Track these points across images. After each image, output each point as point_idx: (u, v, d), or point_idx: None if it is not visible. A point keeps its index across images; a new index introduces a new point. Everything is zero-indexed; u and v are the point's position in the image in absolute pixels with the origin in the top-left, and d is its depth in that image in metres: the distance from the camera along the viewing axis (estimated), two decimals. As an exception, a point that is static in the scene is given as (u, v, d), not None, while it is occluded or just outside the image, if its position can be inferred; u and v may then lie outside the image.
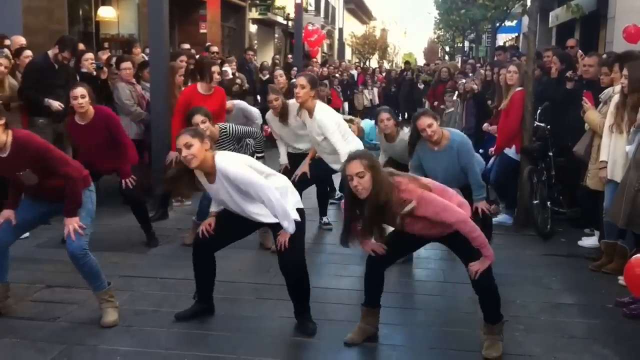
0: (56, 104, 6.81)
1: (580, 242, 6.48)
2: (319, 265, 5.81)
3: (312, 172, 6.30)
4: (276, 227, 4.23)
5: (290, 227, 4.11)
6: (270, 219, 4.22)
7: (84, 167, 4.54)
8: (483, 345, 4.05)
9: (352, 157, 3.85)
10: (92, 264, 4.35)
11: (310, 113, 5.98)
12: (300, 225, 4.24)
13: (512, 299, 5.03)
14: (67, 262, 4.67)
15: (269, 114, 6.74)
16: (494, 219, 7.32)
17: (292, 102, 6.29)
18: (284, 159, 6.83)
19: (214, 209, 4.49)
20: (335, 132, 5.91)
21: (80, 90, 5.45)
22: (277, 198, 4.06)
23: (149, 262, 5.76)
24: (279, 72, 6.85)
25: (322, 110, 5.99)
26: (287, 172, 6.73)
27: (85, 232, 4.31)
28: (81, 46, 8.45)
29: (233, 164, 4.10)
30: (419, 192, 3.80)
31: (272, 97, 6.46)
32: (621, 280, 4.91)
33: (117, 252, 5.97)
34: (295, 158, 6.77)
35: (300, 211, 4.28)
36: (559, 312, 4.80)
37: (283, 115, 6.46)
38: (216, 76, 6.75)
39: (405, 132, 5.98)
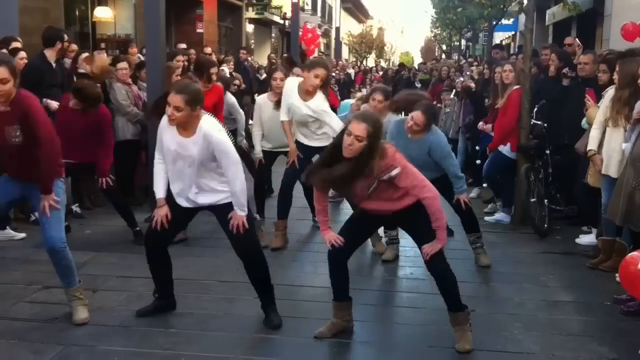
0: (55, 104, 6.80)
1: (577, 240, 6.48)
2: (312, 263, 5.80)
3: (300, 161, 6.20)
4: (219, 211, 4.31)
5: (245, 209, 4.22)
6: (213, 198, 4.29)
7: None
8: (455, 337, 4.08)
9: (362, 118, 3.90)
10: (70, 258, 4.39)
11: (313, 95, 5.98)
12: (250, 214, 4.35)
13: (509, 296, 5.04)
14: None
15: (263, 98, 6.79)
16: (491, 218, 7.37)
17: (293, 82, 6.25)
18: (259, 152, 6.80)
19: (161, 193, 4.40)
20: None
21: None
22: (242, 178, 4.19)
23: (145, 262, 5.73)
24: (279, 74, 6.87)
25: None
26: (262, 166, 6.84)
27: (60, 224, 4.32)
28: (74, 46, 8.44)
29: (218, 130, 4.23)
30: (404, 162, 3.95)
31: (278, 75, 6.58)
32: (618, 277, 4.91)
33: (114, 252, 5.96)
34: (271, 155, 6.91)
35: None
36: (557, 309, 4.81)
37: (279, 101, 6.44)
38: (214, 78, 6.76)
39: (391, 116, 5.98)
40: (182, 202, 4.36)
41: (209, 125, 4.20)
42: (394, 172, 3.90)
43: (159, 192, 4.40)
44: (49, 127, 4.28)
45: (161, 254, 4.51)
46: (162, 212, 4.35)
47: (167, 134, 4.29)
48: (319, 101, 6.00)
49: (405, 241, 5.80)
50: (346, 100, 6.99)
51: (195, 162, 4.19)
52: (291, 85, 6.16)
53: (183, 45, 10.65)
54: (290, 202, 6.33)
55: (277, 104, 6.48)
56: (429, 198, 3.95)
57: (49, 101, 6.76)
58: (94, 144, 6.04)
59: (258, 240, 4.49)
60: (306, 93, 5.99)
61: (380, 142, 3.94)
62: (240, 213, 4.21)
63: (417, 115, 5.21)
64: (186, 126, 4.18)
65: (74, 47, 7.83)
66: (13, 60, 4.39)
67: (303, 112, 5.99)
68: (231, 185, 4.20)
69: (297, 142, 6.22)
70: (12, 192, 4.45)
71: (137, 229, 6.30)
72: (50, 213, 4.24)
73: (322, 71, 5.95)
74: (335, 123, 5.93)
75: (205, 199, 4.33)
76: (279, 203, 6.34)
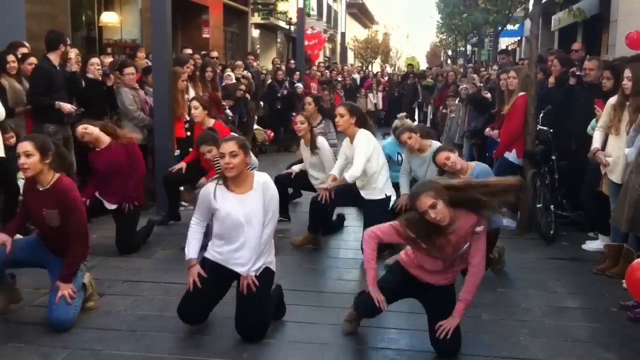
0: (68, 106, 6.85)
1: (584, 246, 6.47)
2: (323, 269, 5.84)
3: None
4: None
5: (253, 270, 4.20)
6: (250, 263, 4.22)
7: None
8: None
9: (418, 192, 3.80)
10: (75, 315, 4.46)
11: (352, 138, 6.01)
12: (270, 277, 4.32)
13: (516, 302, 5.03)
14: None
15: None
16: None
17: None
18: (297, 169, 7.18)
19: (193, 255, 4.33)
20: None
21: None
22: (270, 236, 4.18)
23: (152, 266, 5.76)
24: (308, 99, 7.08)
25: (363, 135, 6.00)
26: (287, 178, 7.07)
27: (68, 308, 4.36)
28: (75, 51, 8.47)
29: (273, 184, 4.24)
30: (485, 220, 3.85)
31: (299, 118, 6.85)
32: (625, 283, 4.90)
33: (121, 257, 5.98)
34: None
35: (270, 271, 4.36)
36: (563, 315, 4.80)
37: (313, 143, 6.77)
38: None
39: (434, 144, 6.12)
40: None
41: (266, 177, 4.23)
42: (479, 229, 3.83)
43: (191, 252, 4.33)
44: (83, 219, 4.38)
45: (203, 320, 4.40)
46: (194, 272, 4.27)
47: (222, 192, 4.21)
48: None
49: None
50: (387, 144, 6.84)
51: (245, 218, 4.15)
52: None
53: (189, 51, 10.67)
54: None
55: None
56: (481, 264, 3.93)
57: (62, 104, 6.80)
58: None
59: (268, 320, 4.34)
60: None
61: (461, 191, 3.83)
62: (248, 272, 4.24)
63: (449, 156, 5.24)
64: (237, 181, 4.17)
65: (75, 51, 7.84)
66: (47, 141, 4.42)
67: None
68: (257, 244, 4.21)
69: None
70: (35, 255, 4.55)
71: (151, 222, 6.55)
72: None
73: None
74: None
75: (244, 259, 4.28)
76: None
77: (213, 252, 4.34)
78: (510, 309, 4.92)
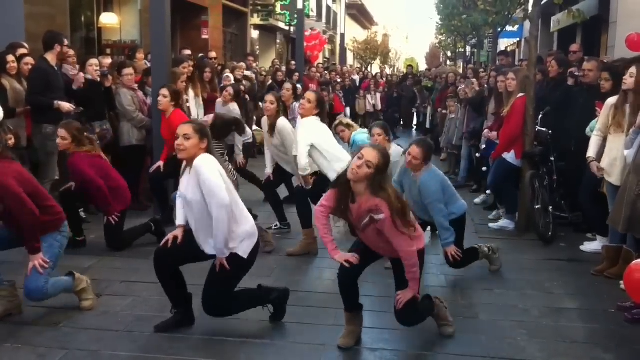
0: (67, 106, 6.84)
1: (582, 247, 6.47)
2: (321, 270, 5.83)
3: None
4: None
5: (221, 253, 4.15)
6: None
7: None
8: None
9: (377, 148, 4.02)
10: (51, 295, 4.51)
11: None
12: (240, 263, 4.27)
13: (514, 303, 5.04)
14: (68, 268, 4.68)
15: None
16: (495, 225, 7.36)
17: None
18: (269, 169, 7.03)
19: (180, 220, 4.38)
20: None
21: None
22: (224, 219, 4.04)
23: (150, 267, 5.68)
24: (288, 85, 7.04)
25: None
26: (270, 183, 7.00)
27: (46, 272, 4.41)
28: (71, 52, 8.48)
29: (207, 164, 4.09)
30: (389, 213, 3.90)
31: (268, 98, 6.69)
32: (623, 284, 4.90)
33: (119, 257, 5.98)
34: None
35: (252, 252, 4.32)
36: (561, 316, 4.80)
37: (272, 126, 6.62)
38: (160, 99, 6.88)
39: (394, 149, 6.18)
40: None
41: (200, 160, 4.11)
42: (378, 217, 3.92)
43: (180, 219, 4.38)
44: (18, 196, 4.30)
45: (172, 273, 4.42)
46: (175, 232, 4.32)
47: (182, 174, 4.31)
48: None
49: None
50: (359, 134, 6.94)
51: (195, 203, 4.15)
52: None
53: (188, 52, 10.67)
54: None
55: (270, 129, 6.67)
56: (402, 252, 4.00)
57: (61, 103, 6.80)
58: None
59: (227, 302, 4.38)
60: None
61: (384, 180, 3.96)
62: (220, 254, 4.20)
63: (413, 149, 5.19)
64: (190, 162, 4.19)
65: (71, 52, 7.84)
66: None
67: None
68: (213, 227, 4.09)
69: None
70: (7, 238, 4.62)
71: (151, 223, 6.44)
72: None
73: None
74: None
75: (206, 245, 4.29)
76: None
77: None
78: (508, 309, 4.91)
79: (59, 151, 6.38)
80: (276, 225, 7.07)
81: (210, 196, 4.03)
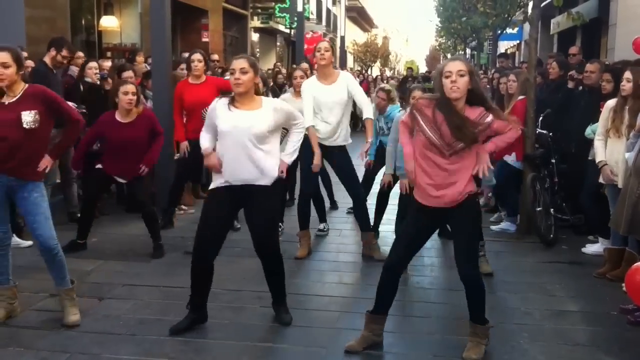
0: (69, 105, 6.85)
1: (583, 249, 6.47)
2: (323, 273, 5.83)
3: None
4: (258, 194, 4.31)
5: (289, 159, 4.47)
6: (262, 178, 4.29)
7: None
8: (467, 346, 4.08)
9: (455, 58, 3.96)
10: (63, 256, 4.48)
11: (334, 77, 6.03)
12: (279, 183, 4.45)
13: (515, 306, 5.03)
14: (70, 271, 4.68)
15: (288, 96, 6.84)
16: (496, 227, 7.36)
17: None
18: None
19: (208, 143, 4.45)
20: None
21: None
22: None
23: (152, 270, 5.76)
24: (299, 72, 6.93)
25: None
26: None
27: (48, 222, 4.39)
28: (80, 54, 8.49)
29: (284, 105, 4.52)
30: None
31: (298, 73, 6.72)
32: (625, 287, 4.89)
33: (121, 260, 5.97)
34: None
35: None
36: (563, 319, 4.80)
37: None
38: (196, 64, 6.93)
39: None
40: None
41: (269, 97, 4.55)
42: (489, 119, 3.89)
43: (205, 144, 4.44)
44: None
45: (208, 265, 4.41)
46: (212, 159, 4.36)
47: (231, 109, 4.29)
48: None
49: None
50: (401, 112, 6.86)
51: (252, 133, 4.23)
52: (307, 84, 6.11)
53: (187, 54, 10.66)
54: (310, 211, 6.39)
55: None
56: (514, 130, 4.01)
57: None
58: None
59: (276, 225, 4.57)
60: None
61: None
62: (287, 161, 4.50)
63: (453, 65, 5.23)
64: (245, 99, 4.28)
65: (80, 54, 7.86)
66: (19, 50, 4.49)
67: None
68: (292, 140, 4.55)
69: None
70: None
71: (160, 242, 6.24)
72: (35, 211, 4.34)
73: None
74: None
75: (255, 171, 4.32)
76: (300, 213, 6.32)
77: (219, 180, 4.37)
78: (510, 312, 4.91)
79: (59, 153, 6.36)
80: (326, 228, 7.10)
81: (294, 118, 4.47)
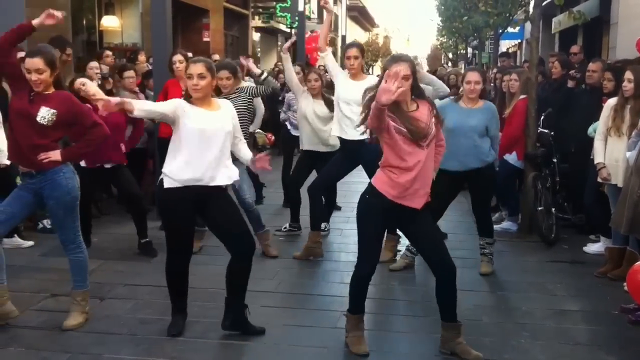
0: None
1: (585, 249, 6.46)
2: (324, 273, 5.83)
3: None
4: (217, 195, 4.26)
5: (251, 162, 4.42)
6: (226, 176, 4.26)
7: None
8: (458, 352, 4.06)
9: (399, 59, 3.97)
10: (85, 256, 4.50)
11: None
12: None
13: (517, 305, 5.03)
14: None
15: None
16: (498, 227, 7.34)
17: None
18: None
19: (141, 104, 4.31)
20: None
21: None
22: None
23: (153, 270, 5.75)
24: (314, 75, 6.83)
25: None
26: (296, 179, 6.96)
27: (76, 224, 4.41)
28: (108, 52, 8.55)
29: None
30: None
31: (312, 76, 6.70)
32: (626, 286, 4.89)
33: (122, 260, 5.98)
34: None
35: None
36: (564, 318, 4.79)
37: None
38: (177, 65, 6.77)
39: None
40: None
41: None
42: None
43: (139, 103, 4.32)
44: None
45: (185, 267, 4.42)
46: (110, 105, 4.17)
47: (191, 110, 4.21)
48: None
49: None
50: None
51: (219, 129, 4.21)
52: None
53: (189, 54, 10.65)
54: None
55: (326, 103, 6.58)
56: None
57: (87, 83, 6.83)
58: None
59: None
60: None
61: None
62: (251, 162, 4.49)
63: (472, 75, 5.55)
64: (205, 101, 4.23)
65: (109, 52, 7.90)
66: (52, 50, 4.50)
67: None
68: (243, 151, 4.50)
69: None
70: (27, 198, 4.43)
71: (147, 239, 6.23)
72: (57, 213, 4.35)
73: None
74: None
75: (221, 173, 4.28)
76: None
77: (179, 177, 4.18)
78: (511, 311, 4.91)
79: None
80: (285, 228, 7.04)
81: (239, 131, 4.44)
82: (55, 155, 4.31)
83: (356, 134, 5.43)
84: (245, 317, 4.37)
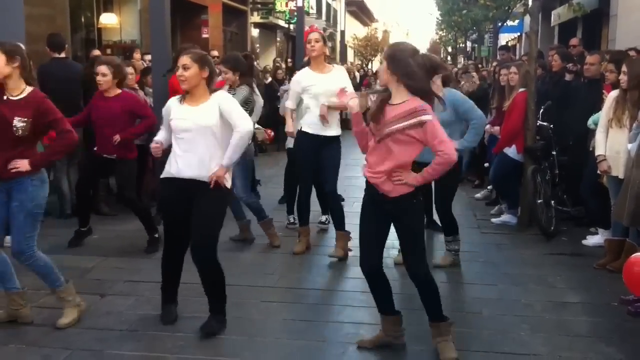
0: None
1: (584, 241, 6.47)
2: (324, 267, 5.83)
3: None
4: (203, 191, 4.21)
5: (229, 163, 4.23)
6: (206, 171, 4.19)
7: None
8: (439, 350, 3.98)
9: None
10: (41, 261, 4.38)
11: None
12: (226, 192, 4.35)
13: (516, 298, 5.04)
14: (71, 268, 4.69)
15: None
16: (497, 220, 7.36)
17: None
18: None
19: (159, 137, 4.47)
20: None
21: None
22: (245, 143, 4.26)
23: (153, 266, 5.73)
24: (315, 35, 6.57)
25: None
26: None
27: (32, 234, 4.29)
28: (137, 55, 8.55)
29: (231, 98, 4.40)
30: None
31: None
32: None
33: (121, 257, 5.98)
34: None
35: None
36: (564, 310, 4.80)
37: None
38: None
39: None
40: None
41: (221, 92, 4.41)
42: (425, 117, 3.63)
43: (158, 137, 4.50)
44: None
45: (179, 259, 4.48)
46: (155, 146, 4.44)
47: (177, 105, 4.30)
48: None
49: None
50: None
51: (200, 129, 4.20)
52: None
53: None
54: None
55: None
56: (447, 154, 3.68)
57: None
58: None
59: (216, 240, 4.33)
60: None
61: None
62: (225, 166, 4.28)
63: None
64: (195, 94, 4.23)
65: (138, 55, 7.94)
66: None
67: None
68: (231, 145, 4.26)
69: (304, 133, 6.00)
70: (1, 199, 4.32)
71: (156, 235, 6.19)
72: (17, 216, 4.21)
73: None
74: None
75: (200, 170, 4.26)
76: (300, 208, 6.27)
77: (167, 168, 4.35)
78: (511, 304, 4.92)
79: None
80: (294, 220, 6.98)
81: (239, 119, 4.20)
82: (24, 165, 4.18)
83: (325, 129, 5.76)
84: (212, 324, 4.35)
